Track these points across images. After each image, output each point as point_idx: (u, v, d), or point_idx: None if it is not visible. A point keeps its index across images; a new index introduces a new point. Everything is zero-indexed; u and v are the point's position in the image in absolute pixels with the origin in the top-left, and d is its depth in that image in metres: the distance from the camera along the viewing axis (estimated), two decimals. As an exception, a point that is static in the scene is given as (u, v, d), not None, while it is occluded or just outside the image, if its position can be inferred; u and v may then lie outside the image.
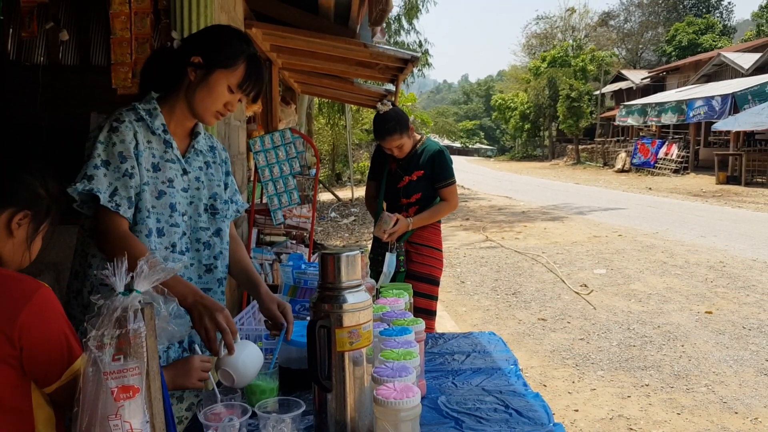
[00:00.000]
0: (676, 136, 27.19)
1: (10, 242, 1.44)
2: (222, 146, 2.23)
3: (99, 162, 1.81)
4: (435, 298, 3.45)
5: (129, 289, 1.20)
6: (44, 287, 1.35)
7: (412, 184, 3.36)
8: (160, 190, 1.93)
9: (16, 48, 6.70)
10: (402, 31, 23.03)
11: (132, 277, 1.21)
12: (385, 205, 3.55)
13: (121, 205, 1.82)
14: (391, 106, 3.36)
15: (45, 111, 6.23)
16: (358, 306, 1.50)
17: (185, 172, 2.01)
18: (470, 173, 32.06)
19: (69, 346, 1.33)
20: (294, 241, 5.62)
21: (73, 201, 1.81)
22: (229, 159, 2.24)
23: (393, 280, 3.29)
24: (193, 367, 1.66)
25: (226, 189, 2.18)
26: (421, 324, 1.82)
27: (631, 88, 37.75)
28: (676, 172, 24.77)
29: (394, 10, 21.76)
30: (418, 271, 3.36)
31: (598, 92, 39.25)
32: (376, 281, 2.62)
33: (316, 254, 4.88)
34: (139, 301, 1.19)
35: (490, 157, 64.15)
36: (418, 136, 3.53)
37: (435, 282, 3.43)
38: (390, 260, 3.26)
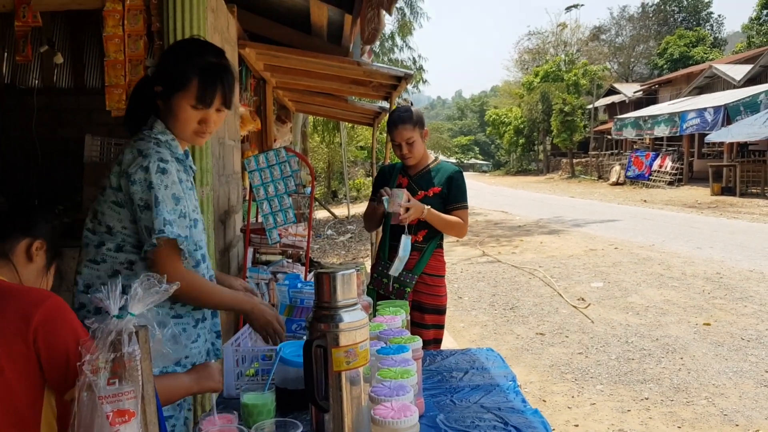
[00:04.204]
0: (670, 149, 27.33)
1: (30, 267, 1.55)
2: None
3: (162, 206, 1.83)
4: (443, 326, 3.40)
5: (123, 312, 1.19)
6: (56, 296, 1.41)
7: (427, 200, 3.21)
8: (194, 219, 1.99)
9: (11, 71, 6.73)
10: (396, 48, 23.19)
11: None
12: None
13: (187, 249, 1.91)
14: (410, 104, 3.34)
15: (40, 133, 6.24)
16: (355, 325, 1.50)
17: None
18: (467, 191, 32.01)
19: None
20: (290, 260, 5.60)
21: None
22: None
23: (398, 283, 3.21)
24: (214, 369, 1.76)
25: None
26: (419, 342, 1.81)
27: (624, 101, 37.96)
28: (670, 184, 24.86)
29: (388, 28, 21.91)
30: (427, 303, 3.25)
31: (591, 106, 39.45)
32: (375, 301, 2.56)
33: (312, 272, 4.86)
34: (134, 324, 1.18)
35: (485, 172, 64.28)
36: (432, 156, 3.47)
37: (443, 311, 3.35)
38: (405, 244, 3.10)
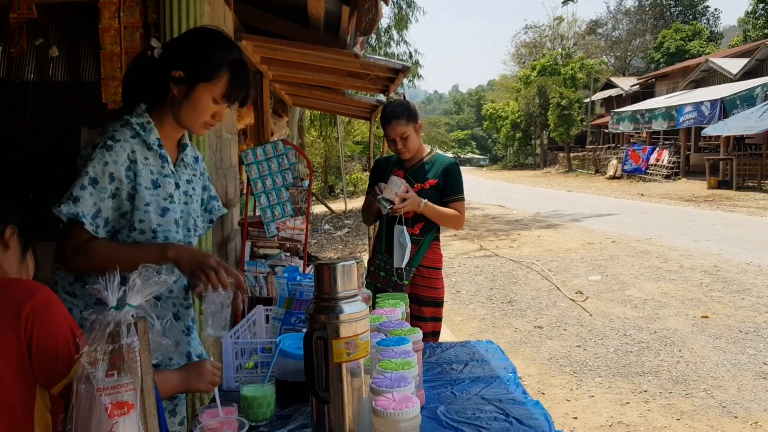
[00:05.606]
0: (667, 142, 27.35)
1: (8, 255, 1.51)
2: (201, 156, 2.18)
3: (87, 181, 1.75)
4: (441, 319, 3.39)
5: (121, 303, 1.17)
6: (46, 287, 1.38)
7: (423, 192, 3.19)
8: (163, 207, 1.89)
9: (5, 65, 6.69)
10: (392, 43, 23.09)
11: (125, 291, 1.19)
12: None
13: (99, 227, 1.79)
14: (403, 98, 3.29)
15: (35, 127, 6.22)
16: (355, 316, 1.48)
17: (177, 186, 1.95)
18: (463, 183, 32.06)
19: (75, 341, 1.34)
20: (288, 254, 5.59)
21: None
22: (206, 169, 2.21)
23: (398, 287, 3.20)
24: (205, 370, 1.71)
25: (201, 204, 2.15)
26: (419, 334, 1.80)
27: (621, 95, 37.97)
28: (667, 177, 24.89)
29: (384, 22, 21.83)
30: (425, 296, 3.24)
31: (588, 100, 39.45)
32: (374, 294, 2.54)
33: (310, 266, 4.85)
34: (132, 315, 1.17)
35: (482, 166, 64.32)
36: (427, 148, 3.45)
37: (441, 304, 3.34)
38: (403, 233, 3.09)
